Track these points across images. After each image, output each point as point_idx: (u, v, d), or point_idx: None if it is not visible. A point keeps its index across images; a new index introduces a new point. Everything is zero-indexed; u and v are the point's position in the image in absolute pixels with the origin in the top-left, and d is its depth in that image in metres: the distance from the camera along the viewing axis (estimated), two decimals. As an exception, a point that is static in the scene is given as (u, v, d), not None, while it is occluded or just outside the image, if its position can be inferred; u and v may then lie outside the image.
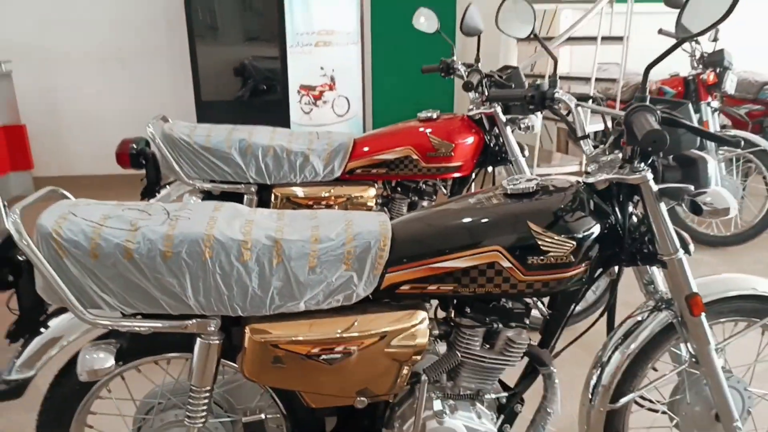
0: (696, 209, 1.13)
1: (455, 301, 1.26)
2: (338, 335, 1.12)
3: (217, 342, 1.15)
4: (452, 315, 1.26)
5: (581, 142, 1.30)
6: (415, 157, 2.13)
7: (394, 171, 2.15)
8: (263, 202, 2.12)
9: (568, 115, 1.35)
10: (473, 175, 2.24)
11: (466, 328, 1.22)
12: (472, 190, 2.38)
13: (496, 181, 2.37)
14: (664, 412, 1.41)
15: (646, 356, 1.35)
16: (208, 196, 2.14)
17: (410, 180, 2.24)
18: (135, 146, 2.13)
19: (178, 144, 2.04)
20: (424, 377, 1.21)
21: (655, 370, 1.38)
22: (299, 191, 2.09)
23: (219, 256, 1.07)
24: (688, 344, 1.31)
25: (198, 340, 1.14)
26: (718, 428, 1.35)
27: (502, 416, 1.32)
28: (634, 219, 1.25)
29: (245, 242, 1.09)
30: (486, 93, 2.10)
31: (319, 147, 2.11)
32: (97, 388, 1.23)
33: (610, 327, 1.37)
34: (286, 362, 1.12)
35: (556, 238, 1.14)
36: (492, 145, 2.21)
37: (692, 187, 1.17)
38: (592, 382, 1.36)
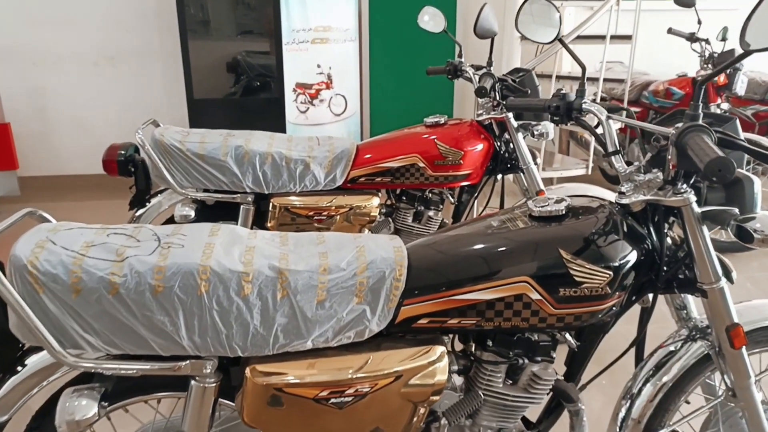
0: (745, 236, 1.02)
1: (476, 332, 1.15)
2: (349, 376, 1.00)
3: (214, 384, 1.03)
4: (472, 348, 1.15)
5: (613, 158, 1.19)
6: (421, 164, 2.01)
7: (399, 179, 2.03)
8: (261, 212, 1.99)
9: (596, 127, 1.23)
10: (482, 184, 2.13)
11: (488, 363, 1.11)
12: (481, 199, 2.28)
13: (505, 189, 2.26)
14: (696, 447, 1.32)
15: (679, 389, 1.25)
16: (201, 206, 2.02)
17: (416, 189, 2.12)
18: (123, 152, 2.00)
19: (169, 150, 1.91)
20: (443, 421, 1.10)
21: (688, 402, 1.28)
22: (299, 201, 1.97)
23: (216, 290, 0.95)
24: (725, 376, 1.21)
25: (192, 382, 1.02)
26: None
27: (524, 456, 1.22)
28: (670, 242, 1.15)
29: (246, 273, 0.97)
30: (498, 98, 1.98)
31: (320, 154, 1.98)
32: None
33: (639, 358, 1.27)
34: (291, 407, 1.00)
35: (590, 267, 1.03)
36: (502, 152, 2.10)
37: (737, 210, 1.06)
38: (621, 415, 1.26)
